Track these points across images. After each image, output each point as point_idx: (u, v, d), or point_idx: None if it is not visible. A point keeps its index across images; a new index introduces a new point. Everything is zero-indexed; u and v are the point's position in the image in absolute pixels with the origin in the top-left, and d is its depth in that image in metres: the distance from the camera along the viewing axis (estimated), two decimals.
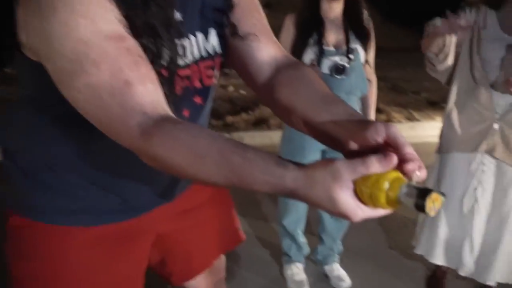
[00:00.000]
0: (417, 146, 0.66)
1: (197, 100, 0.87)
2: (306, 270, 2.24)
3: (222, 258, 1.21)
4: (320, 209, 0.57)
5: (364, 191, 0.53)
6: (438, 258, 2.08)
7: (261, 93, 0.84)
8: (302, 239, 2.22)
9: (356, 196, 0.54)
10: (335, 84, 1.86)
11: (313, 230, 2.48)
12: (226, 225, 1.17)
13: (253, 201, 3.00)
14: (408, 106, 5.36)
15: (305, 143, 1.93)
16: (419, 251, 2.14)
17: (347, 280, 2.18)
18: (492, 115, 1.86)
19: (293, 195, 0.57)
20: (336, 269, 2.23)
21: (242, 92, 5.35)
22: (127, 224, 0.95)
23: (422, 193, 0.51)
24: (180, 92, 0.80)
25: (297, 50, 1.90)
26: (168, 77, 0.74)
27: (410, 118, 4.99)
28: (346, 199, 0.53)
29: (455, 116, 1.97)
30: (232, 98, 5.10)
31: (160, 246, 1.05)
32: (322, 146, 1.96)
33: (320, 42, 1.88)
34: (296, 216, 2.15)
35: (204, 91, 0.87)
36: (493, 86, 1.84)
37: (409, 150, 0.56)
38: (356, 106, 2.00)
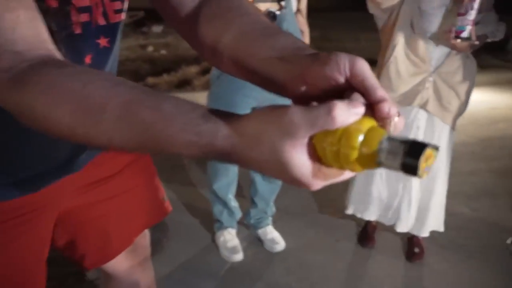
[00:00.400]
0: None
1: (102, 41, 0.69)
2: (239, 235, 2.17)
3: (146, 234, 1.09)
4: (266, 175, 0.41)
5: (327, 149, 0.38)
6: (373, 215, 2.11)
7: (184, 29, 0.65)
8: (233, 203, 2.12)
9: (314, 155, 0.39)
10: None
11: (244, 193, 2.40)
12: (149, 196, 1.04)
13: (179, 165, 2.84)
14: None
15: (235, 99, 1.80)
16: (350, 211, 2.16)
17: (281, 242, 2.13)
18: (427, 67, 1.85)
19: (228, 158, 0.41)
20: (270, 232, 2.17)
21: (163, 52, 5.04)
22: (23, 201, 0.77)
23: (413, 149, 0.36)
24: (78, 31, 0.63)
25: None
26: (59, 8, 0.57)
27: None
28: (301, 162, 0.38)
29: (393, 68, 1.93)
30: (152, 58, 4.79)
31: (67, 224, 0.88)
32: (253, 102, 1.83)
33: None
34: (227, 180, 2.04)
35: (110, 30, 0.69)
36: (431, 37, 1.82)
37: (381, 93, 0.41)
38: None
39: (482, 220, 2.50)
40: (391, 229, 2.14)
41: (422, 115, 1.92)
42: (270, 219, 2.21)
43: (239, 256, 2.04)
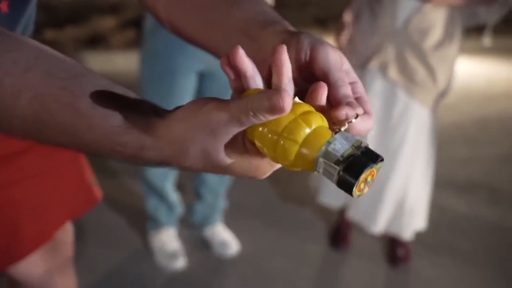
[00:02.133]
0: None
1: (3, 6, 0.72)
2: (180, 237, 2.23)
3: (68, 229, 1.13)
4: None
5: (266, 136, 0.43)
6: (326, 197, 2.27)
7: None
8: (173, 196, 2.18)
9: (246, 139, 0.45)
10: None
11: (187, 183, 2.45)
12: (73, 178, 1.07)
13: None
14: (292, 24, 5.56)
15: (176, 61, 1.86)
16: (322, 198, 2.31)
17: (233, 245, 2.22)
18: (391, 23, 1.96)
19: (162, 166, 0.49)
20: (220, 232, 2.25)
21: None
22: None
23: (353, 167, 0.41)
24: None
25: None
26: None
27: None
28: (235, 157, 0.46)
29: (356, 25, 2.06)
30: (50, 5, 4.66)
31: None
32: (199, 67, 1.89)
33: None
34: None
35: None
36: None
37: (343, 92, 0.47)
38: None
39: (479, 217, 2.70)
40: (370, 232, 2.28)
41: (378, 80, 2.04)
42: (220, 216, 2.30)
43: (180, 263, 2.10)
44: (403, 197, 2.17)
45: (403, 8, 1.94)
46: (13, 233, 0.98)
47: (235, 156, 0.46)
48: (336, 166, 0.42)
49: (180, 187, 2.28)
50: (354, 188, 0.41)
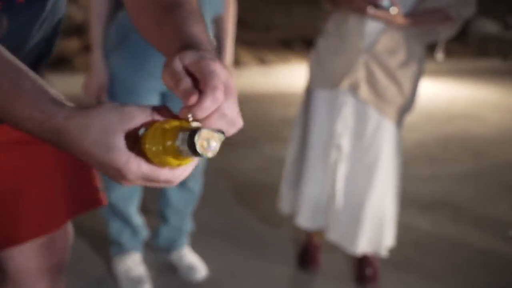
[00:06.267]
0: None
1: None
2: (145, 261, 2.18)
3: (69, 233, 1.17)
4: (87, 160, 0.61)
5: (146, 147, 0.58)
6: (303, 219, 2.25)
7: None
8: (137, 219, 2.13)
9: (140, 152, 0.59)
10: None
11: (150, 205, 2.41)
12: (82, 176, 1.10)
13: None
14: (258, 46, 5.57)
15: (137, 82, 1.87)
16: (284, 209, 2.32)
17: (201, 269, 2.17)
18: (359, 43, 1.99)
19: (60, 138, 0.59)
20: (186, 255, 2.21)
21: None
22: None
23: (192, 133, 0.56)
24: None
25: None
26: None
27: (263, 61, 5.19)
28: (121, 146, 0.58)
29: (322, 44, 2.09)
30: None
31: None
32: (162, 87, 1.87)
33: None
34: (127, 187, 2.04)
35: None
36: None
37: (207, 105, 0.58)
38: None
39: (442, 234, 2.74)
40: (337, 249, 2.27)
41: (350, 101, 2.06)
42: (186, 239, 2.25)
43: None
44: (381, 215, 2.17)
45: (369, 28, 1.97)
46: (14, 217, 1.02)
47: (120, 145, 0.58)
48: (185, 136, 0.56)
49: (145, 209, 2.24)
50: (196, 145, 0.55)
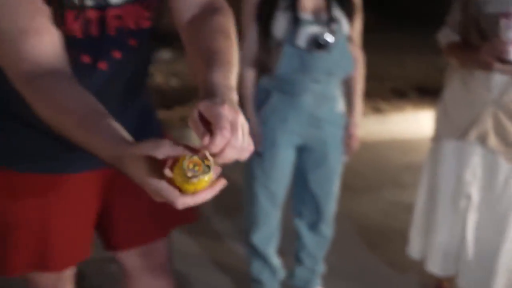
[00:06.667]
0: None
1: (132, 42, 1.12)
2: None
3: (168, 243, 1.49)
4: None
5: (173, 178, 0.75)
6: (433, 266, 2.27)
7: (182, 34, 1.09)
8: (276, 260, 2.30)
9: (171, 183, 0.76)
10: (312, 62, 1.96)
11: (285, 248, 2.57)
12: None
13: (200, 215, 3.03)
14: (372, 95, 5.67)
15: (278, 135, 2.04)
16: (414, 254, 2.35)
17: None
18: (486, 95, 2.02)
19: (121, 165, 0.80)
20: None
21: (174, 81, 5.33)
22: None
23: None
24: (113, 33, 1.06)
25: (264, 15, 1.96)
26: (98, 17, 1.01)
27: (378, 110, 5.29)
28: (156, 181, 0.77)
29: (448, 96, 2.15)
30: (161, 89, 5.09)
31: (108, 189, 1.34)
32: (297, 140, 2.06)
33: (294, 7, 1.93)
34: (268, 230, 2.23)
35: (139, 33, 1.11)
36: None
37: (218, 143, 0.74)
38: (338, 90, 2.12)
39: None
40: None
41: (478, 151, 2.08)
42: (319, 280, 2.39)
43: None
44: (494, 256, 2.14)
45: (496, 81, 1.99)
46: (140, 221, 1.39)
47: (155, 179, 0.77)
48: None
49: (281, 252, 2.40)
50: (185, 171, 0.73)
